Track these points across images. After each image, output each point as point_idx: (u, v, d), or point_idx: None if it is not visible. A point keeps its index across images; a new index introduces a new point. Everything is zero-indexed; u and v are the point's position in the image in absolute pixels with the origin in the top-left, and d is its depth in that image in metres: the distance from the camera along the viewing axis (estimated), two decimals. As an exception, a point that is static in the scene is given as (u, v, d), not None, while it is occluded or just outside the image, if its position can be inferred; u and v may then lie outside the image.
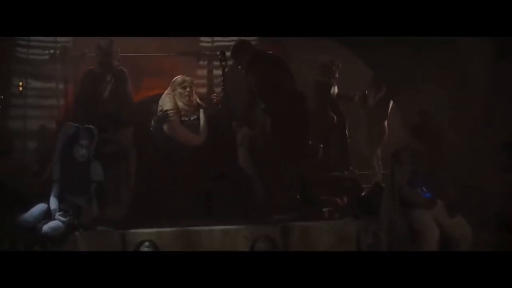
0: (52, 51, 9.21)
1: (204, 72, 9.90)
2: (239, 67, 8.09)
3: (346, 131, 9.37)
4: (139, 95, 8.64)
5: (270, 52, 8.53)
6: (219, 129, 7.85)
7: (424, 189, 7.02)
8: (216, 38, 9.98)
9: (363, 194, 8.00)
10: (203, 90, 9.39)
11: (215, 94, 8.26)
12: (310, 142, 8.23)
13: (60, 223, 6.52)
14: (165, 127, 7.66)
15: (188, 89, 7.78)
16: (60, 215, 6.58)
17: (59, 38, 9.25)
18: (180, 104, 7.78)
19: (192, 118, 7.80)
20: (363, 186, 8.46)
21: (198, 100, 7.92)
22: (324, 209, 7.64)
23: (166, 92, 7.84)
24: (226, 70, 7.92)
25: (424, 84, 7.91)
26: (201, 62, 9.91)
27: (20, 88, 9.28)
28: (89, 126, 6.99)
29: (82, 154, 6.85)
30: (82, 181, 6.88)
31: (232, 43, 8.61)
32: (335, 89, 9.46)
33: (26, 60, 9.58)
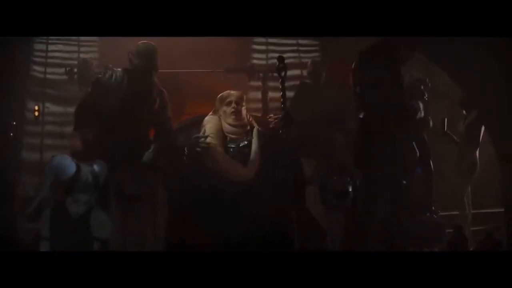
0: (70, 68, 7.74)
1: (257, 94, 8.18)
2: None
3: (431, 164, 7.55)
4: (176, 119, 6.59)
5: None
6: (278, 161, 5.72)
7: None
8: (270, 54, 8.66)
9: (471, 249, 6.10)
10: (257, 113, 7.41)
11: (272, 115, 6.09)
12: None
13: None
14: (202, 154, 5.69)
15: (233, 105, 5.85)
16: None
17: (81, 54, 8.07)
18: (225, 126, 5.85)
19: (241, 145, 5.82)
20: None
21: (253, 123, 5.98)
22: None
23: (210, 113, 5.99)
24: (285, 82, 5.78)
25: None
26: (252, 82, 8.22)
27: (36, 113, 7.84)
28: (94, 163, 5.03)
29: (74, 211, 4.88)
30: (80, 239, 4.84)
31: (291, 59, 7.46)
32: (421, 114, 7.63)
33: (43, 81, 8.13)
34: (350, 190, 5.81)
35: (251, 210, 5.54)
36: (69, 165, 4.91)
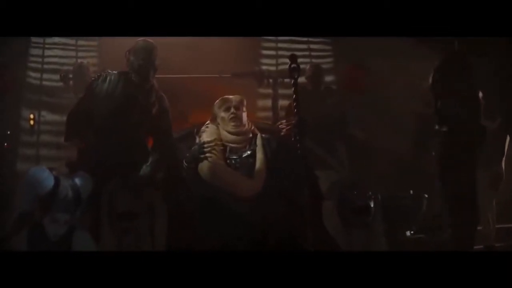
0: (65, 74, 7.40)
1: (267, 102, 7.71)
2: None
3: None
4: (177, 127, 6.09)
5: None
6: (289, 172, 5.15)
7: None
8: (280, 60, 8.27)
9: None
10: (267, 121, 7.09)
11: (283, 121, 5.52)
12: (411, 192, 6.30)
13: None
14: (201, 167, 5.10)
15: (232, 110, 5.27)
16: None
17: (79, 60, 7.70)
18: (225, 134, 5.27)
19: (244, 155, 5.23)
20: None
21: (255, 130, 5.41)
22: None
23: (207, 122, 5.44)
24: (298, 86, 5.09)
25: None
26: (261, 90, 7.79)
27: (32, 122, 7.44)
28: (76, 176, 4.49)
29: (53, 233, 4.33)
30: None
31: (302, 65, 6.50)
32: None
33: (39, 88, 7.78)
34: (372, 205, 5.32)
35: (261, 225, 5.01)
36: (47, 178, 4.35)
